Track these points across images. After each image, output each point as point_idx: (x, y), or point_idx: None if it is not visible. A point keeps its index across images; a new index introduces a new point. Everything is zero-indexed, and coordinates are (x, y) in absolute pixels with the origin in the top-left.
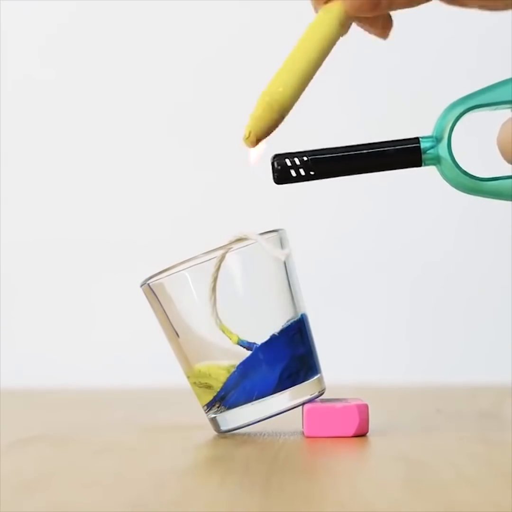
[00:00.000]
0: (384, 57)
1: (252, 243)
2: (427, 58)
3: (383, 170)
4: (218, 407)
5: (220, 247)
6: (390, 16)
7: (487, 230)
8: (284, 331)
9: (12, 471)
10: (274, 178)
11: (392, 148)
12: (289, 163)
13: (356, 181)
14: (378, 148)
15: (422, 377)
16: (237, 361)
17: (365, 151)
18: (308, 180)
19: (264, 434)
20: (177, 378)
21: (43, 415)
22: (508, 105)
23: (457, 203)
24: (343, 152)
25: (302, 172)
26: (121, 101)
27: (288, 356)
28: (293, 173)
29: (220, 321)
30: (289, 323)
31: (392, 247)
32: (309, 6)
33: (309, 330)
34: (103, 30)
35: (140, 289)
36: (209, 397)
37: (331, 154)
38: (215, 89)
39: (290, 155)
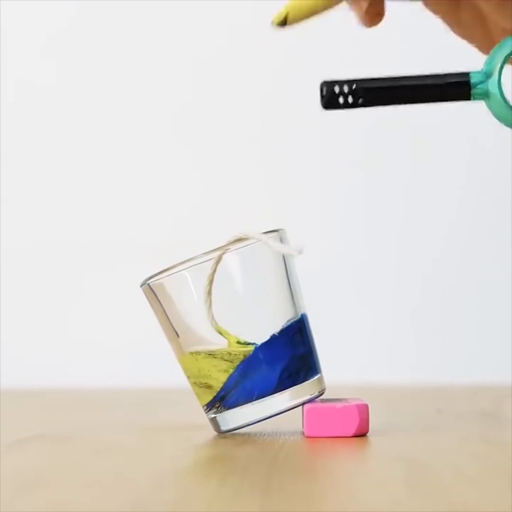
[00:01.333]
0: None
1: (252, 243)
2: None
3: (431, 102)
4: (218, 407)
5: (219, 247)
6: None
7: (489, 233)
8: (284, 331)
9: (12, 471)
10: (322, 103)
11: (443, 81)
12: (337, 90)
13: (357, 177)
14: (429, 80)
15: (422, 377)
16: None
17: (415, 83)
18: (355, 107)
19: (264, 434)
20: (177, 378)
21: (43, 415)
22: None
23: (460, 207)
24: (393, 82)
25: (350, 99)
26: (121, 101)
27: (288, 356)
28: (341, 100)
29: (216, 323)
30: (289, 323)
31: (393, 249)
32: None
33: (309, 330)
34: (104, 31)
35: (140, 289)
36: (209, 397)
37: (381, 84)
38: (215, 90)
39: (340, 83)
